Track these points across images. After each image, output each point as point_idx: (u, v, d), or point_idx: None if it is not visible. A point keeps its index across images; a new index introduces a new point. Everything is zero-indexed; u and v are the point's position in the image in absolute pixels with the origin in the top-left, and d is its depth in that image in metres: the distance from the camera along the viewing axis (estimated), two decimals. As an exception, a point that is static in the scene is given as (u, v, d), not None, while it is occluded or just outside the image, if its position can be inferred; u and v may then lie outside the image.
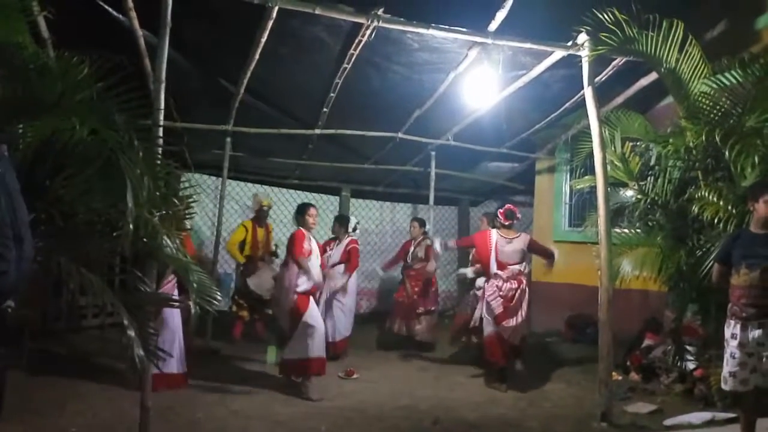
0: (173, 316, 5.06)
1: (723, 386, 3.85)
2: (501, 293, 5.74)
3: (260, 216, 7.56)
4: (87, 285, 2.96)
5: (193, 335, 5.59)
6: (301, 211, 5.63)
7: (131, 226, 2.88)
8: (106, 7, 4.53)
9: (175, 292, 5.02)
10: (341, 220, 7.14)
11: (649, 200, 5.30)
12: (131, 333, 2.88)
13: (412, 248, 7.68)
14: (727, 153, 4.44)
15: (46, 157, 3.10)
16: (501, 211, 5.93)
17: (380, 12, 4.42)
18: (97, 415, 4.41)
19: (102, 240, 3.21)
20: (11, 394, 2.50)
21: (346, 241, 6.94)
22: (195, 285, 3.41)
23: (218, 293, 3.60)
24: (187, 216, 3.92)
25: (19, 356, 5.03)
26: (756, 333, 3.63)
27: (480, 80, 5.59)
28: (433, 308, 7.51)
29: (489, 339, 5.77)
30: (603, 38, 4.54)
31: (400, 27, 4.65)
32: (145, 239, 3.17)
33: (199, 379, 5.46)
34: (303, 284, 5.35)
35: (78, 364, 5.82)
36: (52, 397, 4.69)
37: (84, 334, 7.09)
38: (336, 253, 6.90)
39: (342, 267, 6.84)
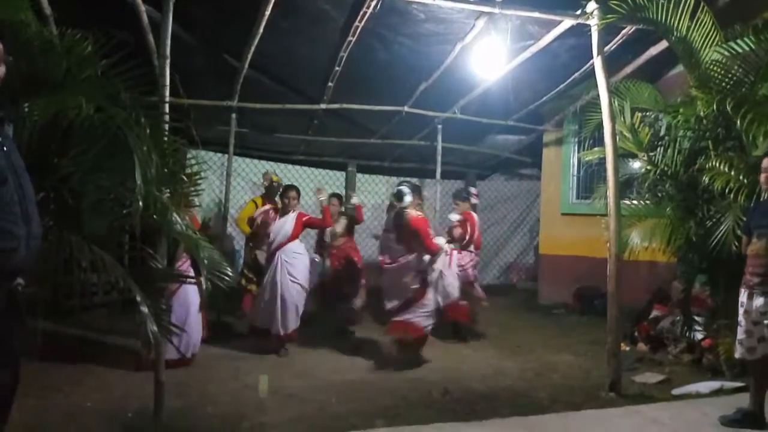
0: (189, 294, 5.10)
1: (735, 353, 3.90)
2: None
3: (270, 192, 7.55)
4: (98, 263, 2.98)
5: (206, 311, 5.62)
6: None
7: (140, 203, 2.88)
8: (108, -18, 4.48)
9: (190, 271, 5.03)
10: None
11: (658, 171, 5.25)
12: (144, 309, 2.90)
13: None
14: (738, 122, 4.39)
15: (52, 135, 3.09)
16: (475, 191, 6.26)
17: (386, -18, 4.36)
18: (111, 391, 4.48)
19: (112, 217, 3.21)
20: (25, 371, 2.52)
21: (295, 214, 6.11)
22: (206, 261, 3.43)
23: (229, 269, 3.61)
24: (195, 193, 3.91)
25: (32, 334, 5.10)
26: (759, 301, 3.65)
27: (487, 51, 5.52)
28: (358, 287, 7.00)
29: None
30: (612, 6, 4.45)
31: (406, -3, 4.58)
32: (154, 216, 3.18)
33: (211, 353, 5.53)
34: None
35: (90, 341, 5.90)
36: (66, 374, 4.76)
37: (95, 311, 7.17)
38: (287, 226, 6.02)
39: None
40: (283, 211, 6.08)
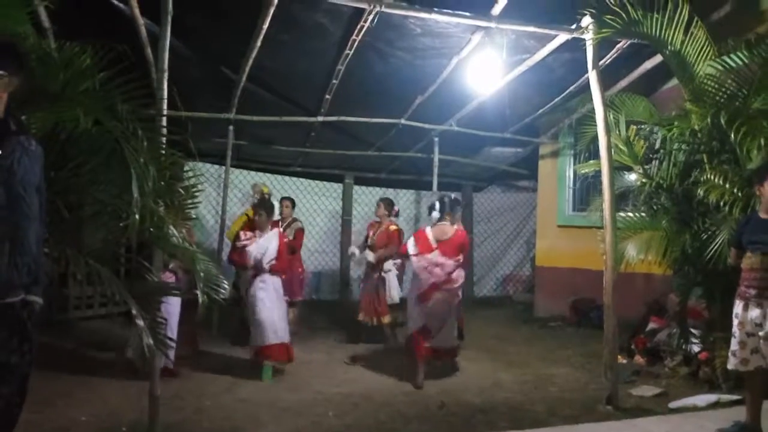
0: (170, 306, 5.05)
1: (728, 365, 3.91)
2: None
3: None
4: (94, 275, 2.97)
5: (199, 324, 5.59)
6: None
7: (137, 216, 2.88)
8: (106, -4, 4.50)
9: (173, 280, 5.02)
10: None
11: (654, 184, 5.29)
12: (140, 323, 2.89)
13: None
14: (732, 135, 4.42)
15: (50, 148, 3.09)
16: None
17: (382, -4, 4.39)
18: (105, 404, 4.44)
19: (108, 230, 3.21)
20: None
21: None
22: (202, 274, 3.42)
23: (225, 282, 3.61)
24: (192, 205, 3.91)
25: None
26: (754, 313, 3.68)
27: (483, 65, 5.55)
28: (299, 298, 7.21)
29: None
30: (607, 21, 4.51)
31: (402, 12, 4.61)
32: (151, 229, 3.17)
33: (205, 367, 5.51)
34: None
35: (85, 354, 5.86)
36: (61, 387, 4.72)
37: (89, 323, 7.13)
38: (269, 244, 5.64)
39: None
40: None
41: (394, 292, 6.90)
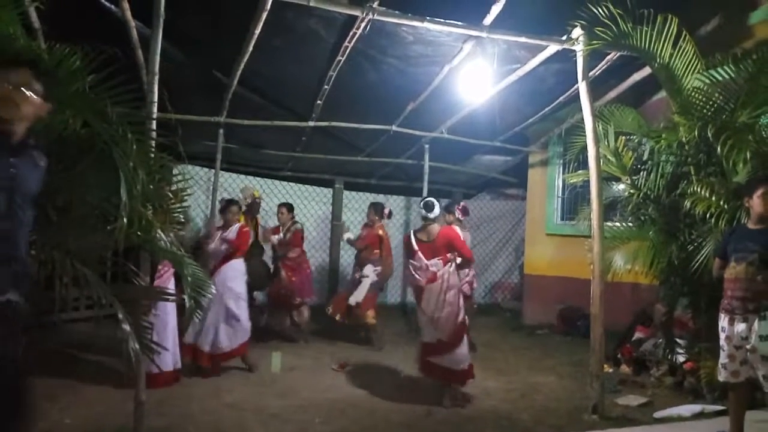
0: (168, 311, 5.02)
1: (718, 377, 3.92)
2: None
3: (253, 208, 7.52)
4: (81, 279, 2.95)
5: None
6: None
7: (125, 220, 2.87)
8: (98, -3, 4.48)
9: (170, 282, 4.97)
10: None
11: (641, 195, 5.34)
12: (126, 327, 2.87)
13: (281, 236, 7.26)
14: (719, 148, 4.47)
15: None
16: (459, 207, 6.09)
17: (375, 4, 4.41)
18: (91, 408, 4.40)
19: (96, 233, 3.19)
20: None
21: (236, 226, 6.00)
22: (189, 278, 3.41)
23: (213, 286, 3.59)
24: (181, 209, 3.89)
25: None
26: (740, 327, 3.70)
27: (474, 74, 5.58)
28: (309, 299, 7.40)
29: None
30: (598, 33, 4.56)
31: (395, 20, 4.63)
32: (139, 233, 3.16)
33: (192, 372, 5.46)
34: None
35: (70, 357, 5.80)
36: (45, 390, 4.66)
37: (75, 326, 7.06)
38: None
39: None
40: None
41: (358, 293, 7.07)
